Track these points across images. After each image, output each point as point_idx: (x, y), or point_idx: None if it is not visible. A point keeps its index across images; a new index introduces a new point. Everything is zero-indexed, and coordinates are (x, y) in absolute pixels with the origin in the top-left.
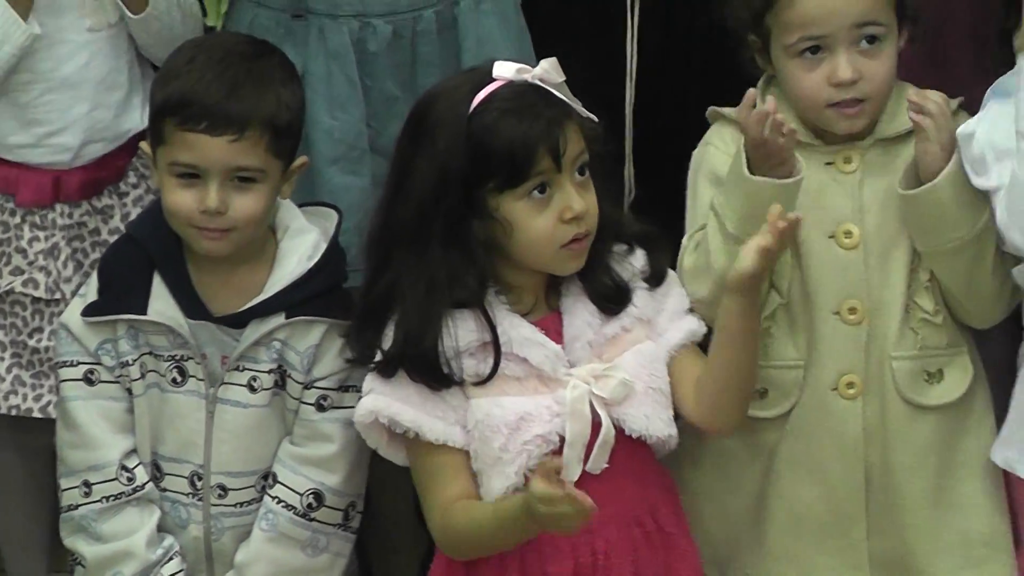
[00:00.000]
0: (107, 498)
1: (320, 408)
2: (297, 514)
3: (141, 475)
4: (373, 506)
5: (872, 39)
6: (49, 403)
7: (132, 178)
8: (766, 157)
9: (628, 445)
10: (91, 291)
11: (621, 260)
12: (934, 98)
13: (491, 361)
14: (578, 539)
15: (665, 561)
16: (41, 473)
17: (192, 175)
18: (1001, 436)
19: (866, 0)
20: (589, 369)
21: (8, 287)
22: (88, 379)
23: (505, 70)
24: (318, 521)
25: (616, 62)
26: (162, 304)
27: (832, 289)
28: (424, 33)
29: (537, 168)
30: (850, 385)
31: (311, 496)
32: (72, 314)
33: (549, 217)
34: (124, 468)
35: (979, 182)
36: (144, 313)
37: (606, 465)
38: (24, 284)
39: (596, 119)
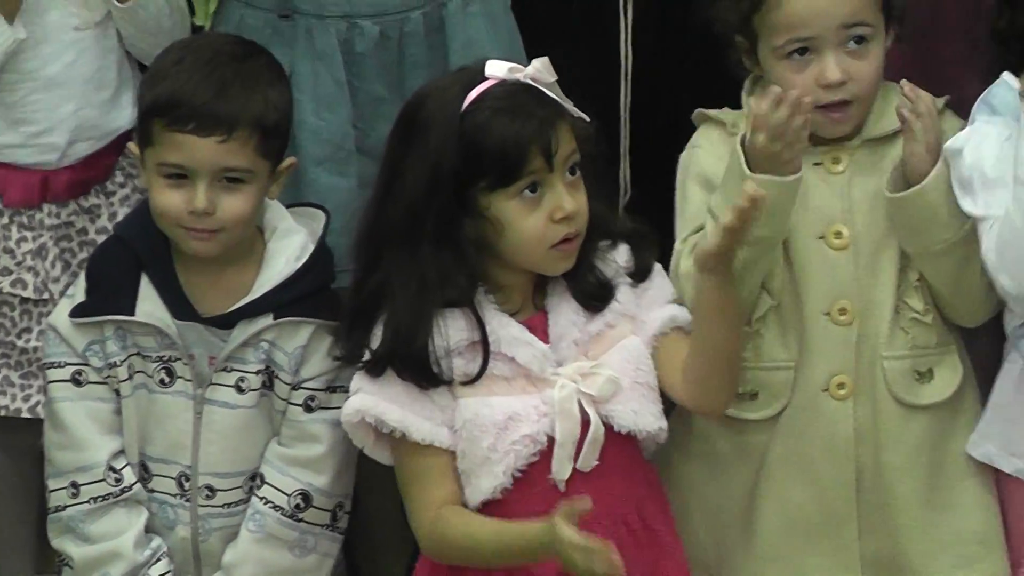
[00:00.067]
0: (95, 499)
1: (308, 409)
2: (285, 515)
3: (129, 476)
4: (360, 506)
5: (860, 40)
6: (38, 403)
7: (119, 177)
8: (773, 156)
9: (617, 442)
10: (79, 292)
11: (603, 256)
12: (923, 98)
13: (480, 360)
14: None
15: (652, 558)
16: (29, 474)
17: (180, 176)
18: (979, 430)
19: (853, 1)
20: (576, 367)
21: None
22: (76, 380)
23: (497, 69)
24: (306, 522)
25: (611, 62)
26: (150, 305)
27: (822, 290)
28: (412, 35)
29: (529, 167)
30: (841, 386)
31: (299, 497)
32: (60, 315)
33: (540, 217)
34: (112, 469)
35: (965, 204)
36: (132, 314)
37: (596, 463)
38: (12, 284)
39: (588, 119)
